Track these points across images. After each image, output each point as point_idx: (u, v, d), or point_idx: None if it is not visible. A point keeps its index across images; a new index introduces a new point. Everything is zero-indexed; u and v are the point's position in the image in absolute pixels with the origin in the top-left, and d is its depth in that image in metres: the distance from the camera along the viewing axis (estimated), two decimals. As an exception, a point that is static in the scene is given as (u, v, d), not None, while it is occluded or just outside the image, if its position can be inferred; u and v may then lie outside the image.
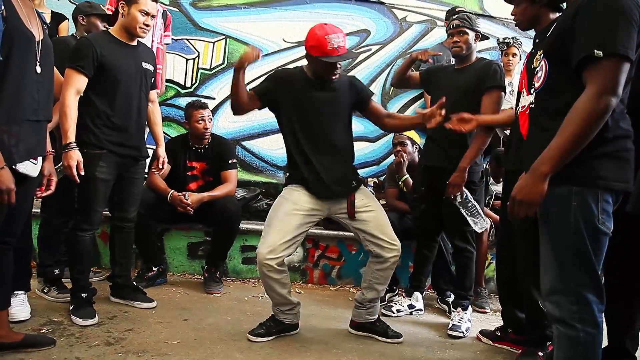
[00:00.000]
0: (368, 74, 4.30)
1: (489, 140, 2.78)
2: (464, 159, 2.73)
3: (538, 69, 1.72)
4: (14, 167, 1.84)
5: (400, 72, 3.03)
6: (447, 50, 3.36)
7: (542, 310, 2.14)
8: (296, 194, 2.44)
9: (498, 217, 3.24)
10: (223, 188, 3.34)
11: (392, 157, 4.01)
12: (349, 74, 2.57)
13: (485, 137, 2.74)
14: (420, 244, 3.17)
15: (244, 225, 3.49)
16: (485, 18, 4.19)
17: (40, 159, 2.01)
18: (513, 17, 2.30)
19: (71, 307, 2.55)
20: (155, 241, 3.36)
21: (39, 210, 2.83)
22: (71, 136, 2.37)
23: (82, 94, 2.46)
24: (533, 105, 1.81)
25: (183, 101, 4.11)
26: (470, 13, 2.95)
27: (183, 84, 4.23)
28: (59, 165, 2.35)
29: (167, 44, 3.86)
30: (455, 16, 2.92)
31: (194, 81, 4.24)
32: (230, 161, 3.41)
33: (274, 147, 4.18)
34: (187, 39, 4.20)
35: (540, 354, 2.33)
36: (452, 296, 3.12)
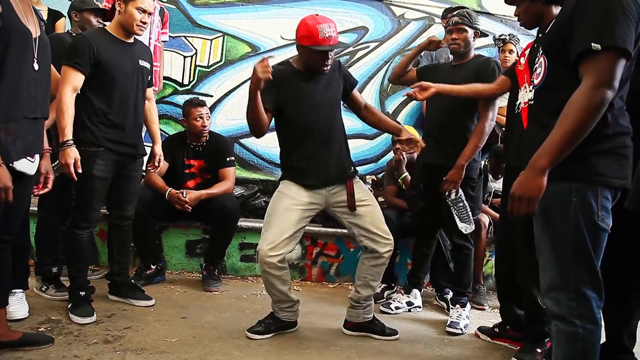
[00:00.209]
0: (366, 71, 4.29)
1: (487, 137, 2.78)
2: (462, 156, 2.73)
3: (537, 65, 1.72)
4: (11, 165, 1.83)
5: (405, 63, 3.04)
6: (446, 48, 3.36)
7: (541, 307, 2.14)
8: (294, 188, 2.42)
9: (497, 215, 3.26)
10: (221, 186, 3.33)
11: (390, 155, 4.02)
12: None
13: (484, 134, 2.73)
14: (418, 241, 3.17)
15: (242, 222, 3.49)
16: (484, 15, 4.18)
17: (37, 156, 2.01)
18: (517, 18, 2.29)
19: (69, 306, 2.54)
20: (153, 239, 3.36)
21: (36, 209, 2.82)
22: (68, 134, 2.36)
23: (78, 92, 2.45)
24: (532, 102, 1.80)
25: (181, 99, 4.09)
26: (471, 10, 2.95)
27: (181, 81, 4.22)
28: (56, 163, 2.34)
29: (164, 42, 3.85)
30: (455, 12, 2.91)
31: (191, 79, 4.23)
32: (228, 159, 3.41)
33: (272, 145, 4.13)
34: (185, 37, 4.19)
35: (539, 350, 2.34)
36: (451, 293, 3.12)
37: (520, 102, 2.29)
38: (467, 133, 2.83)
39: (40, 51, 1.92)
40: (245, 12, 4.22)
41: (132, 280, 2.98)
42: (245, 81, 4.21)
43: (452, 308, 2.93)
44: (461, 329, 2.76)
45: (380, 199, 3.63)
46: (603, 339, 1.84)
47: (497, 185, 3.58)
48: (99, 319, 2.52)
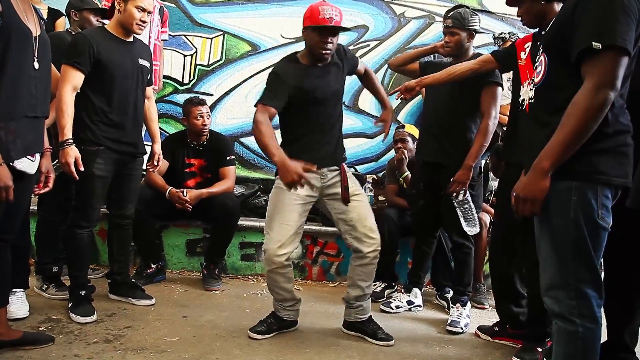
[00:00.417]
0: (366, 70, 4.28)
1: (492, 135, 2.77)
2: (469, 157, 2.72)
3: (537, 64, 1.71)
4: (11, 164, 1.83)
5: (412, 57, 3.06)
6: None
7: (544, 307, 2.14)
8: None
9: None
10: (221, 184, 3.33)
11: (391, 153, 4.02)
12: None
13: (488, 133, 2.73)
14: (419, 240, 3.17)
15: (243, 221, 3.48)
16: (484, 13, 4.17)
17: (37, 156, 2.00)
18: (520, 18, 2.28)
19: (70, 305, 2.55)
20: (153, 238, 3.36)
21: (37, 208, 2.82)
22: (68, 133, 2.36)
23: (78, 91, 2.45)
24: (532, 101, 1.80)
25: (181, 98, 4.09)
26: (469, 9, 2.93)
27: (181, 80, 4.21)
28: (56, 162, 2.34)
29: (164, 40, 3.85)
30: (449, 15, 2.92)
31: (191, 77, 4.22)
32: (228, 157, 3.41)
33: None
34: (185, 35, 4.18)
35: (539, 349, 2.34)
36: (451, 292, 3.12)
37: (524, 99, 2.28)
38: (466, 131, 2.82)
39: (40, 50, 1.92)
40: (246, 10, 4.21)
41: (133, 280, 2.98)
42: (245, 80, 4.22)
43: (452, 307, 2.93)
44: (462, 328, 2.76)
45: (381, 197, 3.63)
46: (604, 338, 1.85)
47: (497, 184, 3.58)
48: (100, 318, 2.52)
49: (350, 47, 4.24)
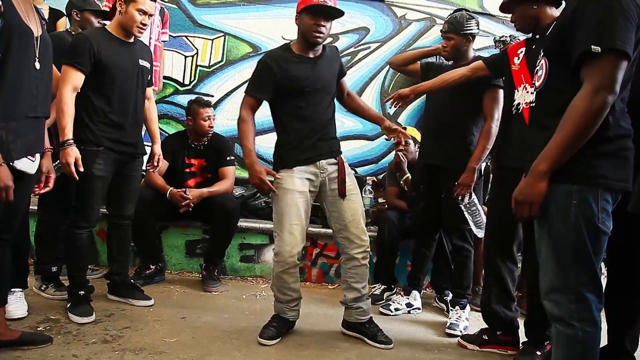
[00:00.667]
0: (367, 72, 4.28)
1: (494, 137, 2.77)
2: (473, 159, 2.73)
3: (538, 67, 1.72)
4: (11, 164, 1.83)
5: (414, 58, 3.09)
6: None
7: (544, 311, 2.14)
8: (290, 179, 2.41)
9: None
10: (222, 184, 3.34)
11: (391, 156, 4.01)
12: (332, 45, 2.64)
13: (491, 135, 2.73)
14: (418, 243, 3.17)
15: (243, 223, 3.48)
16: (485, 16, 4.17)
17: (38, 156, 2.00)
18: (514, 24, 2.31)
19: (68, 305, 2.54)
20: (154, 239, 3.36)
21: (37, 208, 2.82)
22: (68, 133, 2.36)
23: (79, 91, 2.45)
24: (534, 104, 1.80)
25: (181, 98, 4.09)
26: (467, 12, 2.94)
27: (182, 81, 4.21)
28: (57, 162, 2.34)
29: (164, 41, 3.85)
30: (446, 19, 2.94)
31: (192, 79, 4.22)
32: (228, 158, 3.42)
33: (273, 145, 4.15)
34: (186, 36, 4.18)
35: (539, 353, 2.33)
36: (450, 295, 3.12)
37: (519, 103, 2.30)
38: (467, 133, 2.82)
39: (41, 50, 1.92)
40: (247, 12, 4.21)
41: (132, 280, 2.98)
42: (246, 81, 4.19)
43: (451, 310, 2.92)
44: (461, 331, 2.75)
45: (381, 200, 3.63)
46: (604, 342, 1.85)
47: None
48: (98, 319, 2.52)
49: (351, 49, 4.25)
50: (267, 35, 4.24)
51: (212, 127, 3.34)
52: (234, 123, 4.18)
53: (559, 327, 1.56)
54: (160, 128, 3.43)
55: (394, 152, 3.57)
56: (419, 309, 3.11)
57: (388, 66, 4.20)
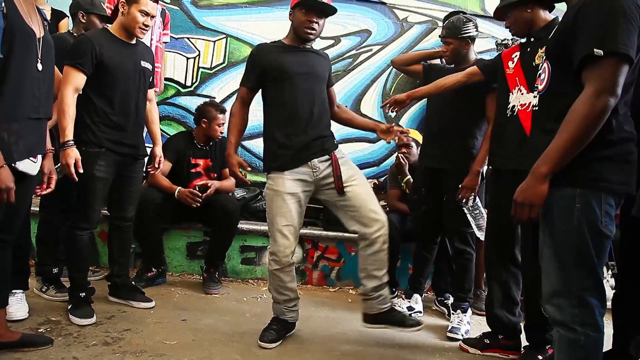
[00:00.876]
0: (369, 74, 4.28)
1: None
2: (476, 162, 2.72)
3: (541, 71, 1.72)
4: (13, 165, 1.83)
5: (417, 59, 3.11)
6: None
7: (544, 314, 2.13)
8: (281, 180, 2.39)
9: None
10: (228, 180, 3.39)
11: (392, 158, 4.01)
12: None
13: None
14: (420, 246, 3.16)
15: (244, 225, 3.48)
16: (486, 19, 4.17)
17: (39, 157, 2.00)
18: (508, 29, 2.33)
19: (69, 307, 2.54)
20: (157, 240, 3.35)
21: (38, 209, 2.81)
22: (69, 134, 2.36)
23: (80, 92, 2.45)
24: (536, 108, 1.80)
25: (183, 100, 4.09)
26: (464, 15, 2.93)
27: (183, 83, 4.21)
28: (59, 165, 2.34)
29: (165, 43, 3.85)
30: (444, 24, 2.94)
31: (194, 80, 4.22)
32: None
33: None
34: (188, 38, 4.18)
35: (540, 357, 2.32)
36: (452, 298, 3.11)
37: (514, 105, 2.31)
38: (468, 136, 2.82)
39: (43, 51, 1.92)
40: (249, 14, 4.22)
41: (133, 282, 2.97)
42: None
43: (453, 313, 2.92)
44: (462, 335, 2.75)
45: (382, 202, 3.62)
46: (607, 347, 1.84)
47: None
48: (99, 321, 2.51)
49: (353, 52, 4.25)
50: (269, 37, 4.18)
51: (222, 133, 3.37)
52: (236, 125, 4.22)
53: (561, 331, 1.55)
54: (161, 129, 3.44)
55: (395, 154, 3.56)
56: (420, 312, 3.10)
57: (390, 69, 4.20)
